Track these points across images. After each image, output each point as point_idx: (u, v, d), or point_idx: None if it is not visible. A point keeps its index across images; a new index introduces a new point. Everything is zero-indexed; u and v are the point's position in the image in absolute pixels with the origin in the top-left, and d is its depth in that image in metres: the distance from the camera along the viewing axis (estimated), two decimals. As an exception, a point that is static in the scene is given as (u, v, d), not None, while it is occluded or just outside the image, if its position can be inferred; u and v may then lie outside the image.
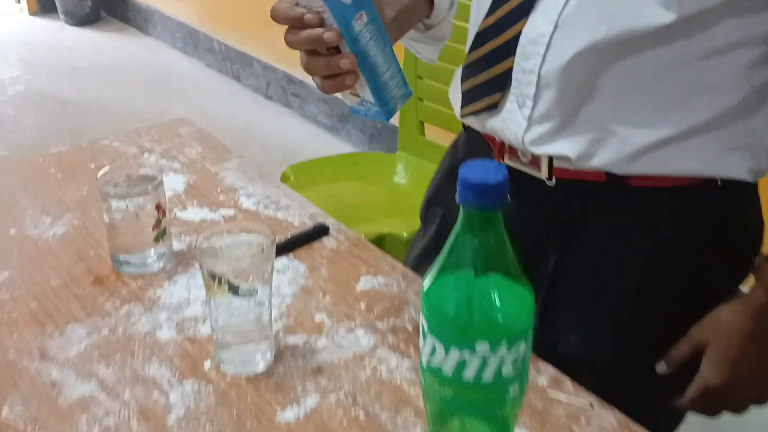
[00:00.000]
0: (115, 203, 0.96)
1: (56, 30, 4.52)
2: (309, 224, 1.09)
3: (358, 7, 0.78)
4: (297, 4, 0.81)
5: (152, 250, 0.99)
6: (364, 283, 0.98)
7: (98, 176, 0.98)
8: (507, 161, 0.96)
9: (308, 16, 0.80)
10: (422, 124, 2.06)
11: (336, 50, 0.81)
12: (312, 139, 3.28)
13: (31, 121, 3.42)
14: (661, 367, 0.91)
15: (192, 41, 4.12)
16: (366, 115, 0.87)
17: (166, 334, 0.89)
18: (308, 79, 3.61)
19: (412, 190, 2.00)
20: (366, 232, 1.70)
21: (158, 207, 0.98)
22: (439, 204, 1.14)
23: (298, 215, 1.12)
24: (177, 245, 1.04)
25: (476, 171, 0.57)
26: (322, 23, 0.79)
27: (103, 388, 0.82)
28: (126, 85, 3.75)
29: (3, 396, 0.81)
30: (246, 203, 1.15)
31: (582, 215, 0.93)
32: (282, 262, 1.01)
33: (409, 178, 2.03)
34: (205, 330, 0.89)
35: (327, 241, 1.06)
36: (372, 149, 3.13)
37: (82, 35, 4.46)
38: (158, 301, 0.94)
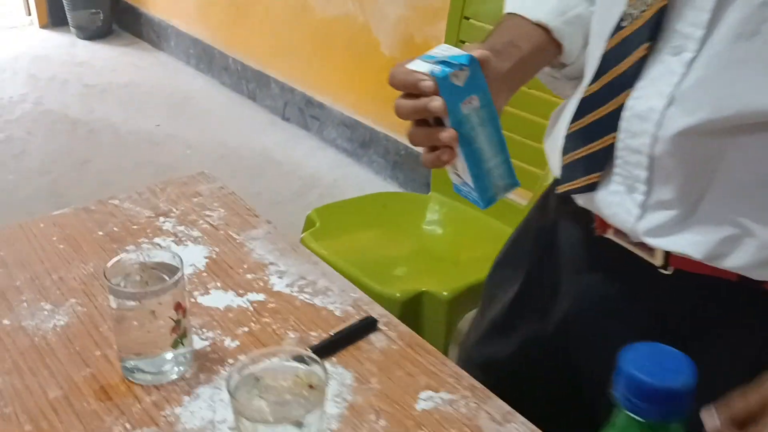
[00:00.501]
0: (126, 302, 0.80)
1: (67, 44, 4.38)
2: (352, 314, 0.93)
3: (470, 90, 0.71)
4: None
5: (170, 355, 0.83)
6: (425, 400, 0.81)
7: (107, 267, 0.82)
8: (612, 237, 0.80)
9: (425, 84, 0.71)
10: (458, 163, 1.89)
11: (440, 123, 0.74)
12: (332, 165, 3.12)
13: (38, 143, 3.27)
14: (711, 419, 0.67)
15: (206, 59, 3.97)
16: (467, 198, 0.79)
17: (186, 473, 0.73)
18: (328, 101, 3.49)
19: (448, 239, 1.83)
20: (401, 290, 1.54)
21: (178, 307, 0.81)
22: (515, 267, 0.97)
23: (340, 302, 0.95)
24: (198, 342, 0.88)
25: (651, 366, 0.41)
26: (437, 92, 0.72)
27: None
28: (138, 105, 3.60)
29: None
30: (278, 285, 0.98)
31: (703, 314, 0.77)
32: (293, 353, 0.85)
33: (442, 223, 1.87)
34: (234, 468, 0.73)
35: (375, 339, 0.90)
36: (395, 177, 2.97)
37: (93, 50, 4.31)
38: (177, 424, 0.78)
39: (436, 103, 0.70)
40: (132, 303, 0.80)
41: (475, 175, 0.75)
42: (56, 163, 3.04)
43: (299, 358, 0.68)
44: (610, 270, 0.83)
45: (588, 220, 0.83)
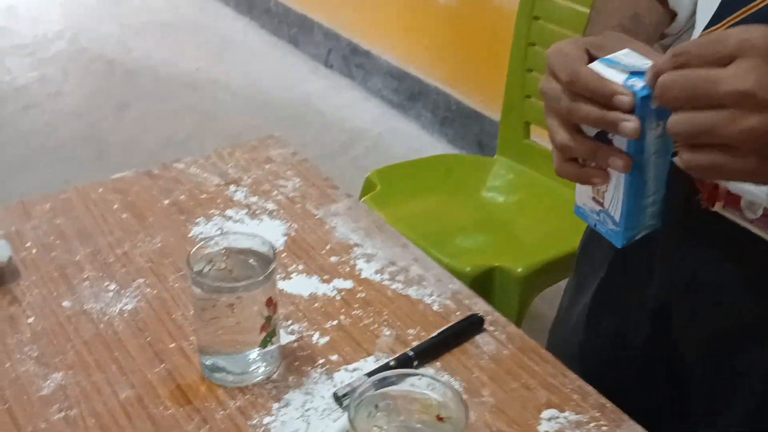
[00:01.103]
0: (211, 295, 0.70)
1: (102, -20, 4.24)
2: (452, 309, 0.82)
3: (660, 115, 0.59)
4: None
5: (256, 354, 0.73)
6: (549, 420, 0.71)
7: (191, 253, 0.71)
8: (720, 210, 0.69)
9: (624, 99, 0.59)
10: (528, 125, 1.77)
11: (602, 136, 0.62)
12: (377, 117, 2.99)
13: (74, 83, 3.17)
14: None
15: (247, 0, 3.82)
16: (593, 225, 0.67)
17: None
18: (374, 50, 3.34)
19: (517, 207, 1.71)
20: (472, 264, 1.43)
21: (269, 302, 0.71)
22: (603, 248, 0.86)
23: (437, 294, 0.85)
24: (283, 337, 0.78)
25: None
26: (632, 111, 0.59)
27: None
28: (177, 46, 3.47)
29: None
30: (366, 271, 0.88)
31: None
32: (428, 372, 0.75)
33: (510, 190, 1.74)
34: (337, 496, 0.64)
35: (482, 341, 0.79)
36: (443, 133, 2.84)
37: (129, -13, 4.17)
38: None
39: (633, 125, 0.58)
40: (218, 296, 0.70)
41: (628, 210, 0.64)
42: (93, 106, 2.94)
43: (429, 383, 0.58)
44: (716, 249, 0.72)
45: (690, 192, 0.71)
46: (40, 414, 0.70)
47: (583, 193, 0.68)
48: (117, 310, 0.81)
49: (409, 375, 0.58)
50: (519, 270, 1.42)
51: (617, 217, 0.64)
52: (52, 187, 1.05)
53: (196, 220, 0.95)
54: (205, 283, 0.70)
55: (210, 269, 0.72)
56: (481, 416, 0.71)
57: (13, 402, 0.71)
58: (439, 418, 0.56)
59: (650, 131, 0.60)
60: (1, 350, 0.76)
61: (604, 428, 0.70)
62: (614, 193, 0.64)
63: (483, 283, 1.45)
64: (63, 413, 0.70)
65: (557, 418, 0.71)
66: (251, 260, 0.73)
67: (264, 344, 0.72)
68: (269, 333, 0.72)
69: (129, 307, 0.82)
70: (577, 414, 0.71)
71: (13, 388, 0.72)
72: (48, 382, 0.73)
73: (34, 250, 0.89)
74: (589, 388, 0.74)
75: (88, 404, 0.71)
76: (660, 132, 0.61)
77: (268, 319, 0.71)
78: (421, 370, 0.74)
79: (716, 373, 0.76)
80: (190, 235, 0.93)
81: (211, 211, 0.97)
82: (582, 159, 0.64)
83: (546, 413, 0.71)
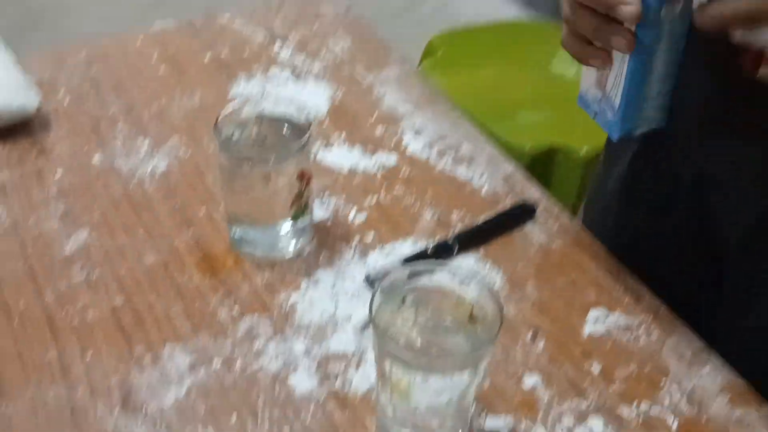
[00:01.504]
0: (240, 163, 0.65)
1: None
2: (502, 195, 0.76)
3: None
4: None
5: (287, 227, 0.69)
6: (595, 321, 0.65)
7: (218, 119, 0.66)
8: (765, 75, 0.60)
9: None
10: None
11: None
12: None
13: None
14: None
15: None
16: (593, 116, 0.63)
17: (304, 382, 0.60)
18: None
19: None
20: (532, 141, 1.35)
21: (302, 176, 0.66)
22: None
23: (487, 176, 0.78)
24: (318, 211, 0.74)
25: None
26: None
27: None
28: None
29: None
30: (413, 146, 0.81)
31: None
32: (466, 263, 0.70)
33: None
34: (360, 384, 0.61)
35: (531, 231, 0.73)
36: (518, -3, 2.66)
37: None
38: (293, 315, 0.65)
39: (631, 8, 0.52)
40: (247, 166, 0.64)
41: (629, 98, 0.58)
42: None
43: (464, 279, 0.53)
44: (756, 125, 0.64)
45: (731, 59, 0.62)
46: (61, 274, 0.67)
47: (587, 79, 0.62)
48: (148, 171, 0.77)
49: (445, 266, 0.53)
50: (582, 151, 1.34)
51: (617, 105, 0.58)
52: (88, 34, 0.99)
53: (237, 78, 0.89)
54: (233, 151, 0.65)
55: (240, 136, 0.67)
56: (521, 312, 0.66)
57: (35, 260, 0.68)
58: (472, 318, 0.51)
59: (668, 8, 0.53)
60: (25, 205, 0.73)
61: (654, 333, 0.64)
62: (616, 78, 0.58)
63: (543, 163, 1.37)
64: (85, 275, 0.67)
65: (604, 319, 0.65)
66: (285, 128, 0.67)
67: (295, 218, 0.67)
68: (301, 207, 0.67)
69: (161, 167, 0.78)
70: (627, 316, 0.65)
71: (36, 245, 0.70)
72: (71, 241, 0.70)
73: (66, 101, 0.85)
74: (645, 291, 0.67)
75: (112, 267, 0.68)
76: (677, 13, 0.54)
77: (300, 193, 0.66)
78: (458, 261, 0.68)
79: (756, 260, 0.68)
80: (229, 95, 0.87)
81: (254, 70, 0.91)
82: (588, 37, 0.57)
83: (593, 313, 0.66)
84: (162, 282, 0.67)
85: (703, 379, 0.61)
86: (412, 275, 0.53)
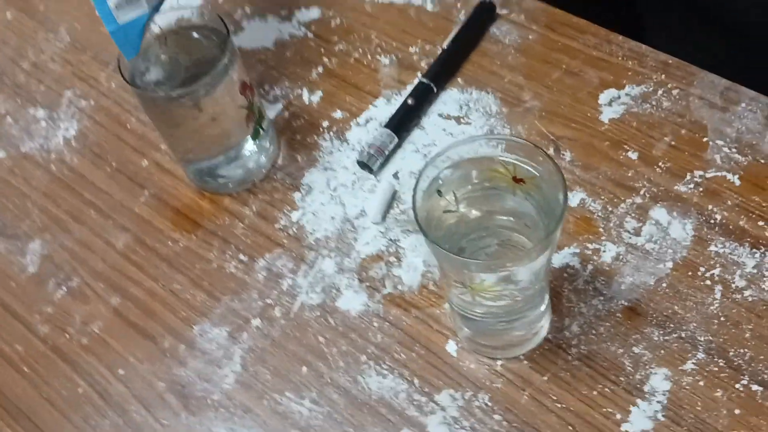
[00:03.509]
0: (169, 103, 0.54)
1: None
2: (449, 2, 0.67)
3: None
4: None
5: (250, 146, 0.59)
6: (610, 105, 0.59)
7: (119, 60, 0.54)
8: None
9: None
10: None
11: None
12: None
13: None
14: None
15: None
16: None
17: (354, 302, 0.54)
18: None
19: None
20: None
21: (244, 88, 0.55)
22: None
23: (423, -12, 0.69)
24: (269, 109, 0.64)
25: None
26: None
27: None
28: None
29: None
30: (329, -12, 0.70)
31: None
32: (452, 99, 0.62)
33: None
34: (412, 278, 0.55)
35: (500, 33, 0.65)
36: None
37: None
38: (304, 235, 0.58)
39: None
40: (177, 102, 0.54)
41: None
42: None
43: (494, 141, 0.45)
44: None
45: None
46: (37, 297, 0.58)
47: None
48: (61, 141, 0.66)
49: (460, 142, 0.45)
50: None
51: None
52: None
53: (98, -9, 0.75)
54: (152, 91, 0.54)
55: (149, 66, 0.55)
56: (532, 126, 0.59)
57: (2, 296, 0.59)
58: (517, 180, 0.45)
59: None
60: (-48, 241, 0.63)
61: (675, 92, 0.59)
62: None
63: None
64: (64, 287, 0.59)
65: (618, 98, 0.59)
66: (196, 38, 0.56)
67: (255, 135, 0.58)
68: (257, 121, 0.58)
69: (72, 132, 0.66)
70: (638, 85, 0.60)
71: (-9, 280, 0.60)
72: (28, 256, 0.60)
73: None
74: (643, 47, 0.61)
75: (86, 267, 0.59)
76: None
77: (250, 105, 0.57)
78: (443, 100, 0.61)
79: None
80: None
81: (110, -28, 0.76)
82: None
83: (603, 96, 0.60)
84: (148, 260, 0.59)
85: (743, 120, 0.57)
86: (432, 163, 0.46)
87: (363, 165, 0.60)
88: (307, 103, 0.64)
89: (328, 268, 0.56)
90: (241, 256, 0.58)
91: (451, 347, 0.52)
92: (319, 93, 0.64)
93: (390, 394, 0.51)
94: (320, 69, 0.66)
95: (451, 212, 0.45)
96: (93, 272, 0.59)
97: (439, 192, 0.45)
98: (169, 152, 0.63)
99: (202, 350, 0.54)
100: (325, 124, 0.63)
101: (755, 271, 0.51)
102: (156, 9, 0.54)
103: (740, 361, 0.48)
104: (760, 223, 0.53)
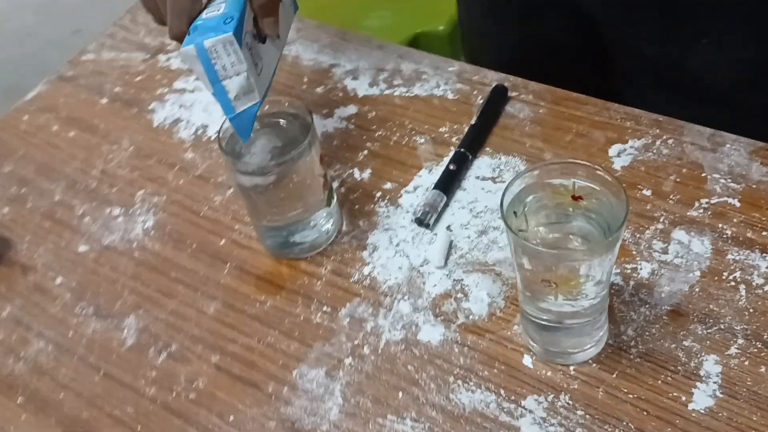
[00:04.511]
0: (265, 177, 0.63)
1: None
2: (467, 91, 0.79)
3: None
4: None
5: (323, 212, 0.68)
6: (619, 156, 0.71)
7: (221, 142, 0.63)
8: None
9: None
10: None
11: None
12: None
13: None
14: None
15: None
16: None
17: (433, 333, 0.62)
18: None
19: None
20: (396, 36, 1.37)
21: (321, 158, 0.65)
22: None
23: (444, 82, 0.80)
24: (325, 186, 0.73)
25: None
26: None
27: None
28: None
29: None
30: (360, 88, 0.82)
31: None
32: (485, 165, 0.73)
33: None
34: (479, 308, 0.63)
35: (514, 110, 0.77)
36: None
37: None
38: (377, 284, 0.66)
39: None
40: (272, 175, 0.63)
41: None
42: None
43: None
44: None
45: None
46: (139, 364, 0.64)
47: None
48: (140, 232, 0.73)
49: (521, 172, 0.55)
50: (440, 28, 1.38)
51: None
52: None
53: (150, 107, 0.85)
54: (252, 167, 0.63)
55: (243, 149, 0.65)
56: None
57: (104, 364, 0.64)
58: (576, 198, 0.55)
59: None
60: (52, 323, 0.68)
61: (670, 141, 0.71)
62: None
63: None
64: (164, 353, 0.65)
65: (625, 150, 0.71)
66: (281, 122, 0.66)
67: (329, 201, 0.68)
68: (330, 188, 0.67)
69: (150, 223, 0.74)
70: (639, 139, 0.72)
71: (94, 349, 0.65)
72: (126, 330, 0.66)
73: (5, 210, 0.78)
74: (637, 111, 0.74)
75: (183, 332, 0.66)
76: None
77: (325, 175, 0.66)
78: (477, 165, 0.72)
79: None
80: (156, 125, 0.83)
81: (159, 91, 0.86)
82: None
83: (612, 150, 0.72)
84: (240, 320, 0.66)
85: (731, 157, 0.69)
86: (509, 188, 0.55)
87: (419, 221, 0.69)
88: (359, 179, 0.74)
89: (405, 308, 0.64)
90: (325, 308, 0.65)
91: (527, 360, 0.60)
92: (369, 170, 0.74)
93: (481, 405, 0.58)
94: (365, 152, 0.76)
95: (523, 231, 0.55)
96: (190, 337, 0.65)
97: (515, 213, 0.54)
98: (244, 230, 0.71)
99: (305, 390, 0.61)
100: (378, 194, 0.72)
101: (768, 270, 0.61)
102: (264, 99, 0.63)
103: (773, 341, 0.58)
104: (764, 233, 0.64)
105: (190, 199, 0.75)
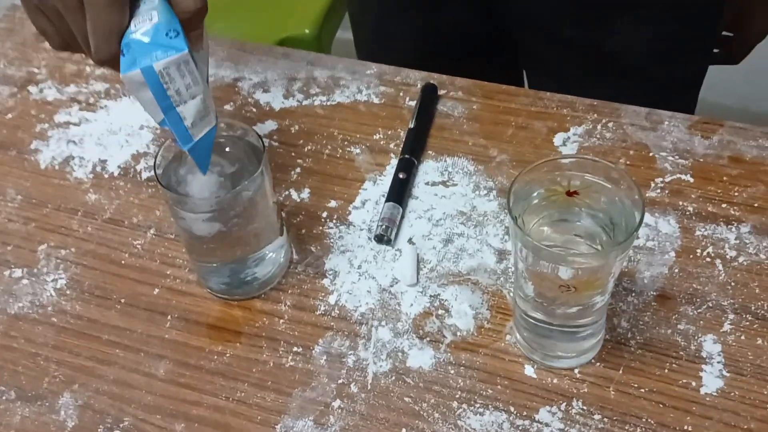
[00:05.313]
0: (223, 208, 0.55)
1: None
2: (393, 94, 0.74)
3: None
4: None
5: (277, 242, 0.61)
6: (565, 145, 0.69)
7: (157, 170, 0.54)
8: None
9: None
10: None
11: None
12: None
13: None
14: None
15: None
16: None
17: (423, 357, 0.57)
18: None
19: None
20: (265, 39, 1.29)
21: (272, 185, 0.58)
22: None
23: (364, 86, 0.75)
24: (261, 213, 0.66)
25: None
26: None
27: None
28: None
29: None
30: (275, 101, 0.74)
31: None
32: (431, 169, 0.68)
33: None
34: (464, 322, 0.59)
35: (446, 108, 0.73)
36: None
37: None
38: (347, 312, 0.60)
39: None
40: (222, 205, 0.55)
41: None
42: None
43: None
44: None
45: None
46: (91, 450, 0.54)
47: None
48: (52, 293, 0.63)
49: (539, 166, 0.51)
50: (306, 31, 1.32)
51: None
52: None
53: (31, 147, 0.73)
54: (209, 204, 0.55)
55: (179, 179, 0.56)
56: (510, 175, 0.67)
57: (52, 459, 0.54)
58: (571, 194, 0.52)
59: None
60: (-32, 419, 0.56)
61: (610, 124, 0.70)
62: None
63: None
64: (116, 431, 0.55)
65: (569, 138, 0.69)
66: (227, 148, 0.58)
67: (281, 230, 0.60)
68: (281, 216, 0.60)
69: (62, 282, 0.63)
70: (579, 126, 0.70)
71: (32, 446, 0.55)
72: (63, 412, 0.56)
73: None
74: (570, 97, 0.72)
75: (134, 403, 0.56)
76: None
77: (276, 202, 0.59)
78: (426, 168, 0.67)
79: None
80: (43, 167, 0.72)
81: (39, 128, 0.75)
82: None
83: (556, 139, 0.69)
84: (199, 379, 0.57)
85: (672, 133, 0.69)
86: (511, 192, 0.51)
87: (380, 238, 0.63)
88: (298, 200, 0.67)
89: (385, 335, 0.59)
90: (296, 348, 0.58)
91: (529, 371, 0.56)
92: (307, 190, 0.68)
93: (494, 427, 0.54)
94: (298, 170, 0.69)
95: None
96: (143, 407, 0.56)
97: (515, 218, 0.50)
98: (178, 273, 0.62)
99: (295, 445, 0.54)
100: (324, 214, 0.66)
101: (738, 241, 0.61)
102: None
103: (763, 311, 0.58)
104: (723, 205, 0.64)
105: (105, 247, 0.65)
